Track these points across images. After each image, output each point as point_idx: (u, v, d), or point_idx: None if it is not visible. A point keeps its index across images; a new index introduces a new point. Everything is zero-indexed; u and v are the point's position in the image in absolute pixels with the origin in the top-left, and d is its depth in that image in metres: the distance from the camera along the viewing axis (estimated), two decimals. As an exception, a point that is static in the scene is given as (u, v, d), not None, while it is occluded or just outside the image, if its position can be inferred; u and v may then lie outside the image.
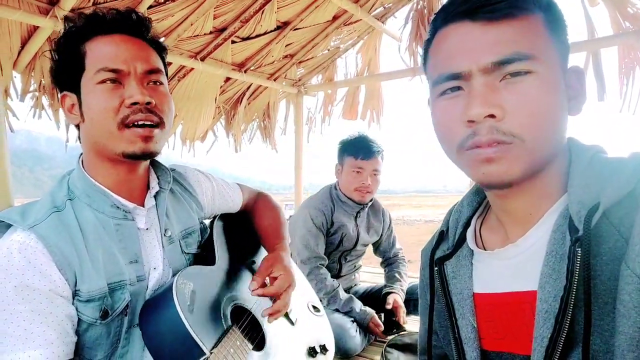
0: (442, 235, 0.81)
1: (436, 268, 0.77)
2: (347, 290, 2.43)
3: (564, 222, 0.61)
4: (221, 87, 3.25)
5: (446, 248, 0.79)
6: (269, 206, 1.37)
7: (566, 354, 0.57)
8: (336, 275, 2.35)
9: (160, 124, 0.94)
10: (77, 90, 0.92)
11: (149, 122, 0.91)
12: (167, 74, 1.03)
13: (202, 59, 2.85)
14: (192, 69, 2.90)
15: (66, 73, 0.93)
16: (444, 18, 0.65)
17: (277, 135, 3.88)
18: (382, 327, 2.03)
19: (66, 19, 0.95)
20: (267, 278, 1.09)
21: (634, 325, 0.51)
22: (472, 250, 0.74)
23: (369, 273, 3.52)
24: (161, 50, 1.01)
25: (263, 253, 1.35)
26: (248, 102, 3.57)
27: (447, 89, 0.64)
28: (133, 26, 0.94)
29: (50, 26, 2.07)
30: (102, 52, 0.90)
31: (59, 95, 0.96)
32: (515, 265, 0.66)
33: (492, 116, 0.58)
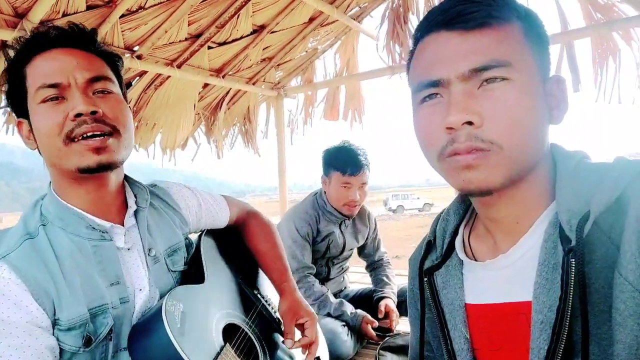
0: (429, 245, 0.81)
1: (425, 279, 0.77)
2: (337, 294, 2.43)
3: (554, 231, 0.60)
4: (200, 93, 3.20)
5: (435, 258, 0.78)
6: (262, 226, 1.34)
7: None
8: (325, 278, 2.34)
9: (113, 133, 0.88)
10: (27, 116, 0.88)
11: (98, 132, 0.85)
12: (121, 82, 0.97)
13: (179, 66, 2.80)
14: (169, 76, 2.85)
15: (14, 100, 0.89)
16: (423, 29, 0.66)
17: (259, 139, 3.85)
18: (377, 324, 2.02)
19: (6, 47, 0.91)
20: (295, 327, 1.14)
21: (631, 334, 0.51)
22: (462, 260, 0.74)
23: (358, 273, 3.51)
24: (112, 60, 0.96)
25: (254, 268, 1.33)
26: (228, 107, 3.53)
27: (426, 96, 0.65)
28: (72, 38, 0.89)
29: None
30: (40, 70, 0.86)
31: (17, 121, 0.92)
32: (507, 275, 0.66)
33: (470, 123, 0.59)
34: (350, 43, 3.46)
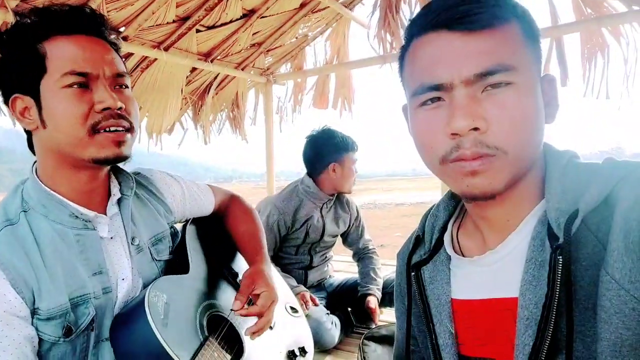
0: (418, 240, 0.81)
1: (413, 273, 0.77)
2: (320, 282, 2.45)
3: (542, 229, 0.61)
4: (187, 77, 3.15)
5: (423, 253, 0.78)
6: (243, 210, 1.33)
7: None
8: (307, 267, 2.36)
9: (130, 129, 0.90)
10: (34, 94, 0.85)
11: (120, 128, 0.87)
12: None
13: (166, 49, 2.74)
14: (156, 59, 2.79)
15: (20, 74, 0.85)
16: (421, 26, 0.63)
17: (247, 125, 3.81)
18: (310, 304, 2.05)
19: (17, 14, 0.87)
20: (250, 296, 1.07)
21: (616, 332, 0.52)
22: (450, 256, 0.74)
23: (344, 262, 3.54)
24: (119, 50, 0.96)
25: (239, 258, 1.32)
26: (216, 92, 3.48)
27: (427, 100, 0.63)
28: (93, 26, 0.89)
29: (1, 17, 1.94)
30: (68, 55, 0.84)
31: (7, 97, 0.87)
32: (495, 272, 0.66)
33: (476, 129, 0.58)
34: (341, 30, 3.43)
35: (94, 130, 0.85)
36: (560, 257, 0.55)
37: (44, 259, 0.83)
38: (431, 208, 0.82)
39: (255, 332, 1.05)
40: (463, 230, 0.75)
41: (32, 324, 0.80)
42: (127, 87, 0.93)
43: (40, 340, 0.82)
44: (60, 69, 0.83)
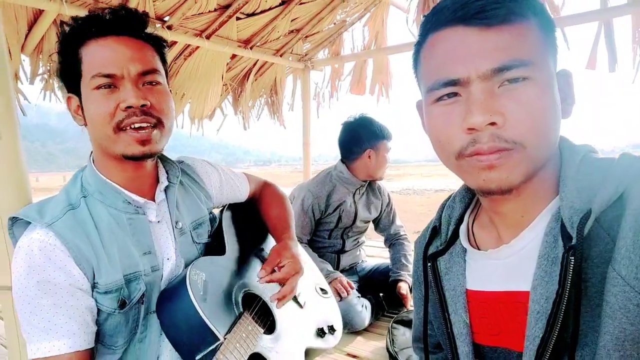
0: (434, 231, 0.82)
1: (429, 264, 0.79)
2: (352, 267, 2.51)
3: (555, 226, 0.62)
4: (227, 64, 3.23)
5: (439, 244, 0.80)
6: (275, 195, 1.40)
7: (557, 354, 0.60)
8: (340, 250, 2.42)
9: (158, 125, 0.94)
10: (78, 94, 0.94)
11: (145, 124, 0.92)
12: (166, 70, 1.02)
13: (208, 37, 2.83)
14: (198, 47, 2.88)
15: (67, 78, 0.95)
16: (437, 21, 0.63)
17: (285, 110, 3.87)
18: (345, 293, 2.09)
19: (62, 23, 0.95)
20: (276, 267, 1.14)
21: (619, 326, 0.53)
22: (465, 248, 0.76)
23: (377, 247, 3.58)
24: (160, 45, 1.01)
25: (271, 241, 1.39)
26: (255, 78, 3.55)
27: (443, 95, 0.63)
28: (127, 25, 0.93)
29: (55, 9, 2.07)
30: (96, 58, 0.90)
31: (67, 95, 0.98)
32: (508, 265, 0.68)
33: (493, 124, 0.58)
34: (379, 15, 3.39)
35: (119, 128, 0.90)
36: (572, 257, 0.56)
37: (102, 240, 0.92)
38: (447, 199, 0.83)
39: (279, 300, 1.12)
40: (478, 223, 0.77)
41: (92, 297, 0.91)
42: (157, 83, 0.96)
43: (99, 311, 0.92)
44: (90, 72, 0.90)
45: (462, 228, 0.78)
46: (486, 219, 0.75)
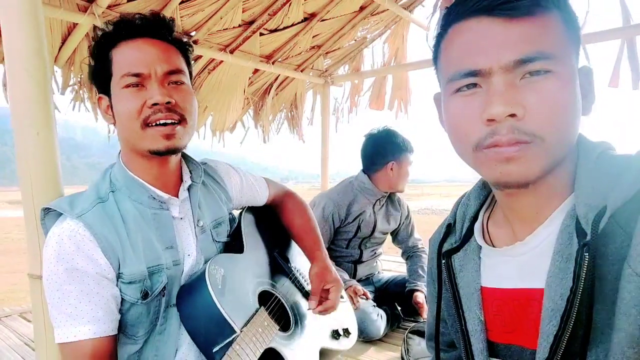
0: (449, 228, 0.82)
1: (444, 261, 0.79)
2: (369, 277, 2.51)
3: (571, 223, 0.61)
4: (249, 78, 3.32)
5: (454, 241, 0.80)
6: (298, 204, 1.43)
7: (571, 352, 0.59)
8: (357, 261, 2.42)
9: (181, 121, 0.99)
10: (109, 94, 1.00)
11: (169, 121, 0.97)
12: (190, 72, 1.08)
13: (231, 52, 2.92)
14: (222, 61, 2.98)
15: (99, 78, 1.01)
16: (460, 12, 0.63)
17: (304, 125, 3.93)
18: (357, 304, 2.09)
19: (96, 28, 1.02)
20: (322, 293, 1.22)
21: (634, 323, 0.52)
22: (480, 245, 0.75)
23: (393, 262, 3.56)
24: (185, 49, 1.06)
25: (289, 243, 1.42)
26: (276, 93, 3.63)
27: (463, 86, 0.62)
28: (155, 29, 0.99)
29: (88, 22, 2.18)
30: (126, 58, 0.96)
31: (97, 96, 1.04)
32: (523, 262, 0.68)
33: (513, 115, 0.57)
34: (400, 32, 3.45)
35: (146, 124, 0.95)
36: (587, 253, 0.56)
37: (128, 233, 0.96)
38: (462, 196, 0.83)
39: (321, 312, 1.21)
40: (493, 220, 0.76)
41: (117, 286, 0.94)
42: (182, 83, 1.01)
43: (122, 301, 0.95)
44: (119, 71, 0.96)
45: (477, 225, 0.78)
46: (501, 216, 0.74)
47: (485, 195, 0.80)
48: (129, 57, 0.96)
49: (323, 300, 1.23)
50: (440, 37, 0.68)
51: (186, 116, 1.00)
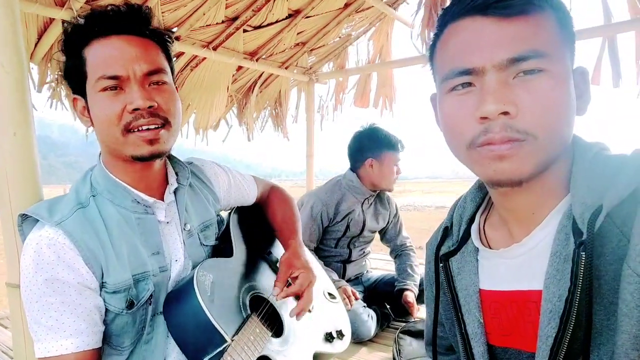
0: (446, 231, 0.82)
1: (441, 264, 0.78)
2: (358, 277, 2.49)
3: (567, 223, 0.61)
4: (233, 75, 3.26)
5: (451, 244, 0.79)
6: (282, 199, 1.39)
7: (572, 355, 0.58)
8: (346, 260, 2.41)
9: (165, 125, 0.93)
10: (84, 95, 0.93)
11: (153, 126, 0.91)
12: (172, 68, 1.01)
13: (214, 48, 2.86)
14: (205, 58, 2.92)
15: (72, 78, 0.94)
16: (455, 12, 0.64)
17: (289, 123, 3.90)
18: (349, 306, 2.07)
19: (64, 22, 0.94)
20: (289, 278, 1.13)
21: (637, 324, 0.52)
22: (477, 247, 0.75)
23: (381, 260, 3.56)
24: (164, 43, 0.99)
25: (278, 244, 1.38)
26: (260, 90, 3.58)
27: (457, 85, 0.63)
28: (131, 23, 0.92)
29: (66, 18, 2.09)
30: (100, 59, 0.89)
31: (72, 97, 0.97)
32: (520, 264, 0.67)
33: (506, 113, 0.58)
34: (384, 30, 3.44)
35: (127, 130, 0.89)
36: (583, 253, 0.55)
37: (111, 239, 0.91)
38: (459, 199, 0.83)
39: (298, 313, 1.12)
40: (489, 222, 0.76)
41: (100, 296, 0.89)
42: (164, 83, 0.94)
43: (107, 311, 0.90)
44: (95, 73, 0.89)
45: (474, 227, 0.77)
46: (497, 218, 0.74)
47: (481, 197, 0.80)
48: (104, 57, 0.89)
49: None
50: (436, 37, 0.69)
51: (170, 119, 0.94)
